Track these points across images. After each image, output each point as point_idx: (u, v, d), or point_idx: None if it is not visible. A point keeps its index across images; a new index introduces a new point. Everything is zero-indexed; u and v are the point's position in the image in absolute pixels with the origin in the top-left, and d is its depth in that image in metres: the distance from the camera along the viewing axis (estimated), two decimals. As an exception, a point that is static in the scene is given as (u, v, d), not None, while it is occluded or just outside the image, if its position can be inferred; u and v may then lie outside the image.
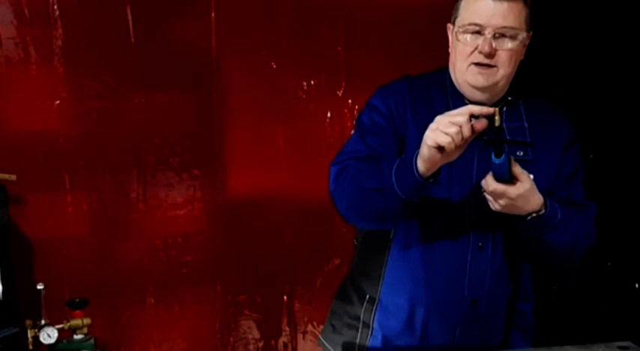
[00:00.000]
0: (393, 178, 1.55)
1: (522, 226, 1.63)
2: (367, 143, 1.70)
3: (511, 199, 1.56)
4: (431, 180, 1.53)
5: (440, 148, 1.46)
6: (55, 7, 2.37)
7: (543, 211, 1.60)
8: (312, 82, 2.75)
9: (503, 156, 1.53)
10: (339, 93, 2.78)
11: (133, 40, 2.49)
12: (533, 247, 1.71)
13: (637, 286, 2.65)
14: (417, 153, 1.51)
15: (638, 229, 2.61)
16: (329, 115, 2.78)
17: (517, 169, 1.57)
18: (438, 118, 1.47)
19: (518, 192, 1.56)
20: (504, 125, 1.71)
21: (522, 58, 1.69)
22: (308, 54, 2.72)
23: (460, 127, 1.45)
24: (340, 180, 1.68)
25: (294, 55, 2.70)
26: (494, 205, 1.59)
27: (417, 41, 2.73)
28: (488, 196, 1.59)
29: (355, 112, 2.73)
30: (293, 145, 2.74)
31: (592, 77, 2.69)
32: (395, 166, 1.56)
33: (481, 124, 1.47)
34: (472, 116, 1.48)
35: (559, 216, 1.64)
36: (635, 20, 2.54)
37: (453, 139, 1.44)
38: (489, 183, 1.56)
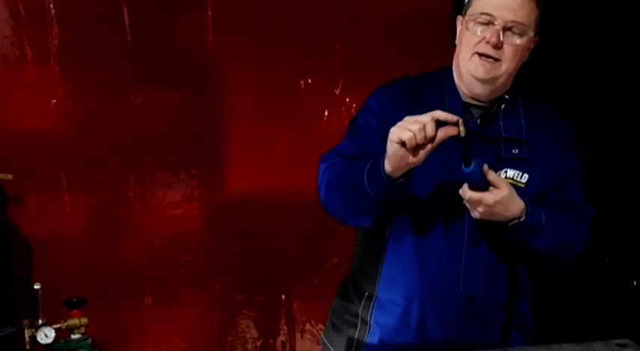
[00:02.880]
0: (365, 177, 1.58)
1: (505, 232, 1.63)
2: (356, 142, 1.72)
3: (488, 206, 1.56)
4: (401, 180, 1.54)
5: (402, 144, 1.48)
6: (51, 5, 2.38)
7: (524, 217, 1.61)
8: (310, 81, 2.75)
9: (472, 165, 1.54)
10: (337, 92, 2.79)
11: (129, 39, 2.50)
12: (520, 251, 1.71)
13: (635, 283, 2.66)
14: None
15: (636, 227, 2.62)
16: (326, 113, 2.79)
17: (492, 177, 1.58)
18: (405, 118, 1.50)
19: (495, 199, 1.56)
20: (500, 123, 1.72)
21: (526, 59, 1.70)
22: (306, 53, 2.72)
23: (423, 125, 1.47)
24: (325, 176, 1.71)
25: (292, 54, 2.71)
26: (474, 213, 1.60)
27: (415, 41, 2.73)
28: (467, 205, 1.60)
29: (353, 110, 2.73)
30: (291, 144, 2.74)
31: (591, 77, 2.70)
32: (368, 165, 1.59)
33: (445, 133, 1.50)
34: (439, 121, 1.50)
35: (543, 220, 1.64)
36: (635, 20, 2.55)
37: (414, 135, 1.47)
38: (465, 191, 1.57)
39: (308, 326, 2.88)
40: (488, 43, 1.62)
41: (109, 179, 2.53)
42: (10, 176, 2.27)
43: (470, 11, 1.67)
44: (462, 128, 1.56)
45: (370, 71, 2.53)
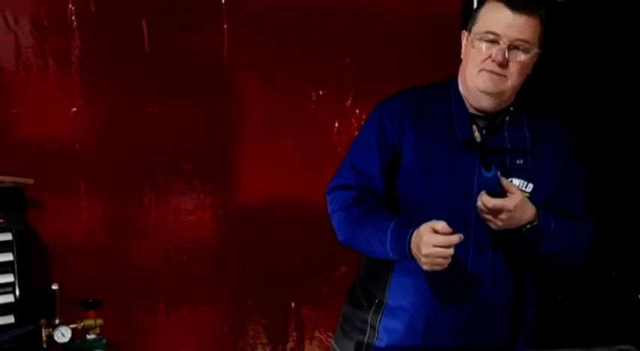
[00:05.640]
0: (388, 248, 1.68)
1: (519, 238, 1.67)
2: (356, 168, 1.79)
3: (510, 211, 1.60)
4: None
5: None
6: (73, 17, 2.43)
7: (537, 221, 1.64)
8: (321, 93, 2.80)
9: (493, 169, 1.58)
10: (347, 103, 2.84)
11: (147, 50, 2.55)
12: (530, 257, 1.74)
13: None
14: (412, 233, 1.63)
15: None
16: (337, 124, 2.83)
17: (505, 182, 1.63)
18: (429, 251, 1.58)
19: (515, 203, 1.60)
20: (505, 134, 1.76)
21: (529, 72, 1.74)
22: (317, 65, 2.77)
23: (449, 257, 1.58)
24: (335, 214, 1.80)
25: (304, 67, 2.76)
26: (496, 223, 1.64)
27: (425, 52, 2.78)
28: (487, 217, 1.64)
29: (362, 122, 2.76)
30: (302, 154, 2.79)
31: (594, 87, 2.72)
32: (390, 237, 1.67)
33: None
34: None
35: (552, 225, 1.67)
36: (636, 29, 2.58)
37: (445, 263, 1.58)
38: (487, 200, 1.61)
39: (317, 333, 2.91)
40: (494, 61, 1.65)
41: (126, 185, 2.57)
42: (30, 181, 2.32)
43: (475, 29, 1.70)
44: (476, 134, 1.60)
45: (381, 83, 2.56)
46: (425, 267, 1.59)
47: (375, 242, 1.70)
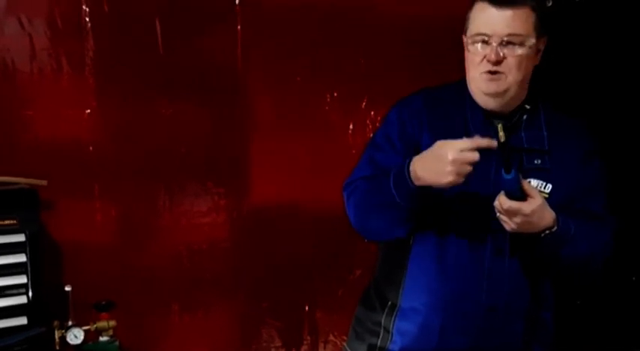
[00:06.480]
0: (393, 191, 1.64)
1: (537, 244, 1.64)
2: (376, 161, 1.77)
3: (526, 215, 1.58)
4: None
5: None
6: (87, 19, 2.44)
7: (556, 227, 1.62)
8: (335, 95, 2.79)
9: (513, 171, 1.55)
10: (362, 105, 2.83)
11: (161, 52, 2.55)
12: (550, 262, 1.72)
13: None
14: (408, 163, 1.60)
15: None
16: (351, 126, 2.82)
17: (527, 186, 1.61)
18: (456, 156, 1.54)
19: (532, 208, 1.58)
20: (522, 134, 1.74)
21: (537, 63, 1.72)
22: (331, 67, 2.76)
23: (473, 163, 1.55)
24: (350, 200, 1.77)
25: (318, 68, 2.75)
26: (510, 225, 1.62)
27: (439, 53, 2.74)
28: (502, 217, 1.63)
29: (377, 123, 2.76)
30: (316, 156, 2.78)
31: (615, 85, 2.69)
32: (392, 179, 1.65)
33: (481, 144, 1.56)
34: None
35: (572, 230, 1.65)
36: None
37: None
38: (504, 201, 1.59)
39: (331, 337, 2.90)
40: (489, 61, 1.65)
41: (139, 187, 2.57)
42: (44, 182, 2.32)
43: (468, 33, 1.71)
44: (501, 133, 1.58)
45: (395, 85, 2.53)
46: (449, 178, 1.55)
47: (381, 194, 1.67)
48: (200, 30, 2.60)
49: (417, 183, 1.60)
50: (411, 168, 1.61)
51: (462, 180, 1.55)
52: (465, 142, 1.55)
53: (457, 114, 1.76)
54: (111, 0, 2.45)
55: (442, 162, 1.55)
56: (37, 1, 2.38)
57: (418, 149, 1.69)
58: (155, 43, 2.54)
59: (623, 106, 2.68)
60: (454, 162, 1.53)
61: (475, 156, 1.53)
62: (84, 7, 2.43)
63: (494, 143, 1.56)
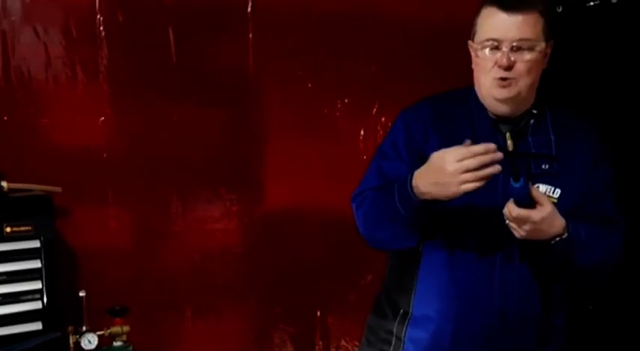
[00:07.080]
0: (398, 205, 1.64)
1: (548, 251, 1.64)
2: (383, 171, 1.78)
3: (535, 223, 1.58)
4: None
5: None
6: (101, 28, 2.47)
7: (566, 233, 1.61)
8: (347, 101, 2.80)
9: (521, 179, 1.55)
10: (373, 112, 2.84)
11: (174, 59, 2.57)
12: (561, 268, 1.71)
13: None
14: (410, 178, 1.60)
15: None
16: (362, 132, 2.83)
17: (537, 193, 1.60)
18: (453, 168, 1.52)
19: (542, 215, 1.57)
20: (529, 139, 1.74)
21: (545, 66, 1.72)
22: (342, 74, 2.78)
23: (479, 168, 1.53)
24: (359, 211, 1.78)
25: (329, 75, 2.76)
26: (519, 233, 1.61)
27: (450, 61, 2.72)
28: (511, 224, 1.62)
29: (388, 130, 2.74)
30: (327, 162, 2.79)
31: (618, 89, 2.67)
32: (396, 193, 1.65)
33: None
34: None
35: (583, 236, 1.64)
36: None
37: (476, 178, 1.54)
38: (512, 209, 1.58)
39: (343, 342, 2.90)
40: (500, 66, 1.64)
41: (153, 193, 2.59)
42: (58, 189, 2.34)
43: (476, 39, 1.71)
44: (509, 142, 1.58)
45: (407, 91, 2.52)
46: (452, 189, 1.54)
47: (387, 207, 1.67)
48: (212, 37, 2.62)
49: (422, 198, 1.60)
50: (414, 183, 1.61)
51: (472, 186, 1.53)
52: (460, 151, 1.53)
53: (464, 120, 1.76)
54: (125, 9, 2.49)
55: (442, 175, 1.54)
56: (52, 10, 2.41)
57: (425, 156, 1.69)
58: (168, 51, 2.56)
59: (630, 110, 2.66)
60: (454, 173, 1.52)
61: (475, 163, 1.51)
62: (98, 16, 2.46)
63: (491, 146, 1.54)
